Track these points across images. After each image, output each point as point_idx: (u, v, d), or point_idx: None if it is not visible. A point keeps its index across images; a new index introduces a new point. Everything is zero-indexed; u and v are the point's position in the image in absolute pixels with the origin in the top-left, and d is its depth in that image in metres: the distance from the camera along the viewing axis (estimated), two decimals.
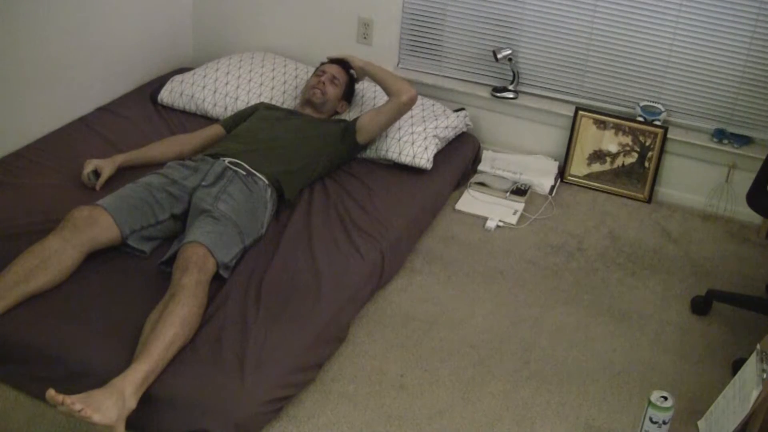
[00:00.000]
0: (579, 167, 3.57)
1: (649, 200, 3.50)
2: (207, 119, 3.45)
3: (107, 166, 2.88)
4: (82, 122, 3.33)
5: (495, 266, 2.98)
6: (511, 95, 3.59)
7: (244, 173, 2.74)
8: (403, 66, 3.78)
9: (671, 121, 3.45)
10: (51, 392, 1.88)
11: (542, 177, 3.50)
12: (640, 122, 3.43)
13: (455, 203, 3.34)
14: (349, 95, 3.34)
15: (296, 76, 3.60)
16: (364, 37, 3.74)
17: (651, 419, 2.08)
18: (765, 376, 1.94)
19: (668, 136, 3.40)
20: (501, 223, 3.23)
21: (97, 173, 2.87)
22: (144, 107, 3.51)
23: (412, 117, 3.33)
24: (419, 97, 3.36)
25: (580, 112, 3.51)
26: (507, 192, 3.40)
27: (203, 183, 2.66)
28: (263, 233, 2.69)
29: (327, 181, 3.06)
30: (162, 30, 3.83)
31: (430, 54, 3.73)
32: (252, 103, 3.42)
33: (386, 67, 3.37)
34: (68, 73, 3.29)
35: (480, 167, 3.57)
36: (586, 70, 3.51)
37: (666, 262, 3.10)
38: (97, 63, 3.44)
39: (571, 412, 2.36)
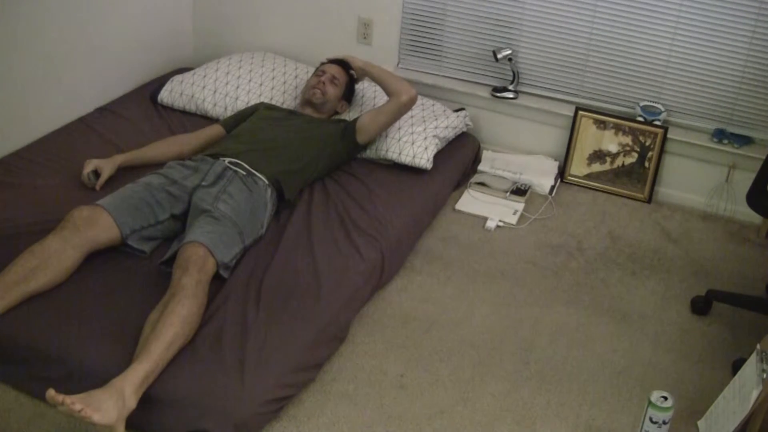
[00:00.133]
0: (579, 167, 3.57)
1: (649, 200, 3.50)
2: (207, 119, 3.45)
3: (107, 166, 2.88)
4: (82, 122, 3.33)
5: (495, 266, 2.98)
6: (511, 95, 3.59)
7: (244, 173, 2.74)
8: (403, 66, 3.78)
9: (671, 121, 3.45)
10: (51, 392, 1.88)
11: (542, 177, 3.50)
12: (640, 122, 3.43)
13: (455, 203, 3.34)
14: (349, 95, 3.34)
15: (296, 76, 3.60)
16: (364, 37, 3.75)
17: (651, 419, 2.08)
18: (765, 376, 1.94)
19: (668, 136, 3.40)
20: (501, 223, 3.23)
21: (97, 173, 2.88)
22: (144, 107, 3.51)
23: (412, 117, 3.33)
24: (419, 97, 3.36)
25: (580, 112, 3.51)
26: (507, 192, 3.40)
27: (203, 183, 2.66)
28: (263, 233, 2.69)
29: (327, 181, 3.06)
30: (162, 30, 3.83)
31: (430, 54, 3.73)
32: (252, 103, 3.42)
33: (386, 67, 3.37)
34: (68, 73, 3.29)
35: (480, 167, 3.57)
36: (586, 70, 3.51)
37: (666, 262, 3.10)
38: (97, 63, 3.44)
39: (571, 412, 2.36)
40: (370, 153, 3.24)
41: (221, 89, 3.50)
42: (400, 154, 3.19)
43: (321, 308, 2.40)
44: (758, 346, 2.03)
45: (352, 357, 2.48)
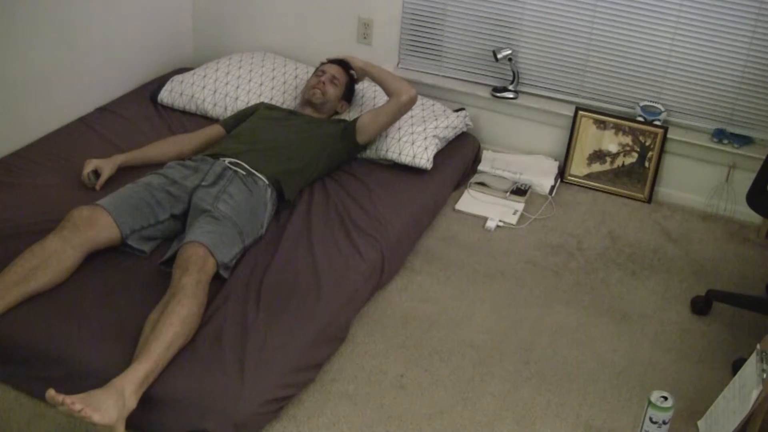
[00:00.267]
0: (579, 167, 3.57)
1: (649, 200, 3.50)
2: (207, 119, 3.45)
3: (107, 166, 2.88)
4: (82, 122, 3.33)
5: (495, 266, 2.98)
6: (511, 95, 3.59)
7: (244, 173, 2.74)
8: (403, 66, 3.78)
9: (671, 121, 3.45)
10: (51, 392, 1.88)
11: (542, 177, 3.50)
12: (640, 122, 3.43)
13: (455, 203, 3.34)
14: (349, 95, 3.34)
15: (296, 76, 3.60)
16: (364, 37, 3.75)
17: (651, 419, 2.07)
18: (765, 376, 1.94)
19: (668, 136, 3.40)
20: (501, 223, 3.23)
21: (97, 173, 2.88)
22: (144, 107, 3.51)
23: (412, 117, 3.33)
24: (419, 97, 3.36)
25: (580, 112, 3.51)
26: (507, 192, 3.40)
27: (203, 183, 2.66)
28: (263, 233, 2.69)
29: (327, 181, 3.06)
30: (162, 30, 3.83)
31: (430, 54, 3.73)
32: (252, 103, 3.42)
33: (386, 67, 3.37)
34: (68, 73, 3.29)
35: (480, 167, 3.57)
36: (586, 70, 3.51)
37: (666, 262, 3.10)
38: (97, 63, 3.44)
39: (571, 412, 2.36)
40: (370, 153, 3.24)
41: (221, 89, 3.50)
42: (400, 154, 3.19)
43: (321, 308, 2.40)
44: (758, 346, 2.03)
45: (352, 357, 2.48)
